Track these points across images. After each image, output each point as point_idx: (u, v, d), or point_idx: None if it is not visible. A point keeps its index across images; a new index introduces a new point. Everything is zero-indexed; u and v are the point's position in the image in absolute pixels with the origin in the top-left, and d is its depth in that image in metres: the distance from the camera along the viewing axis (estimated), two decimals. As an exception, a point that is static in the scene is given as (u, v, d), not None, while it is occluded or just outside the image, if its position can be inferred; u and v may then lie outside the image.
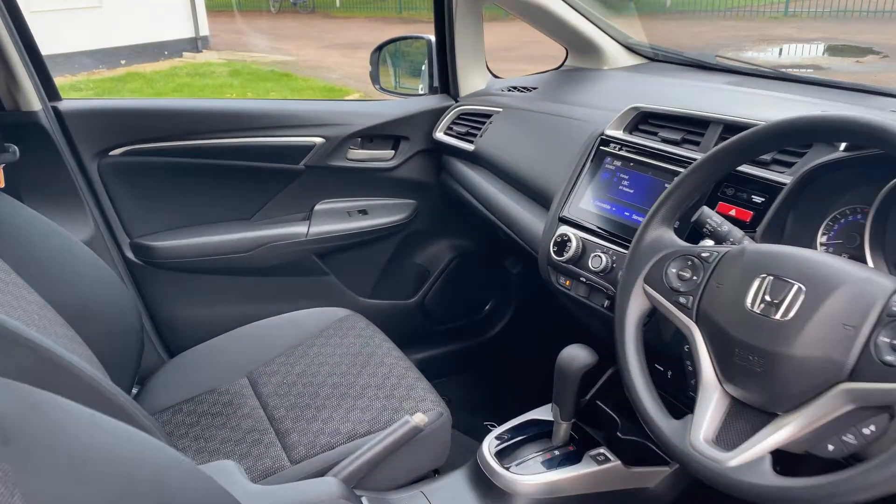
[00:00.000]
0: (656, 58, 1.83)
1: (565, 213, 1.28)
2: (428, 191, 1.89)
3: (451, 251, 2.01)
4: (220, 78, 8.67)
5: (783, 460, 0.76)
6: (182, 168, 1.64)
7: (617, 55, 1.81)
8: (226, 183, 1.69)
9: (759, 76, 1.57)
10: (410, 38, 1.97)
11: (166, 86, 8.23)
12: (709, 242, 0.94)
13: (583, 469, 1.17)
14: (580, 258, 1.23)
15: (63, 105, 1.50)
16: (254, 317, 1.50)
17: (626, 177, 1.22)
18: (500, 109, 1.67)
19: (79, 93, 8.11)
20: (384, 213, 1.83)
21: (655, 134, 1.23)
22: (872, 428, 0.70)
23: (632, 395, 0.88)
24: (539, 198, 1.43)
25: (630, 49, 1.83)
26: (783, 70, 1.55)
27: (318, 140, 1.70)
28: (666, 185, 1.15)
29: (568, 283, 1.28)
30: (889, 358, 0.67)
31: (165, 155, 1.61)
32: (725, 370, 0.81)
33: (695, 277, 0.86)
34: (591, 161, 1.29)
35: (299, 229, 1.73)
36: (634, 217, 1.18)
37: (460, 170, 1.75)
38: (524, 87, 1.75)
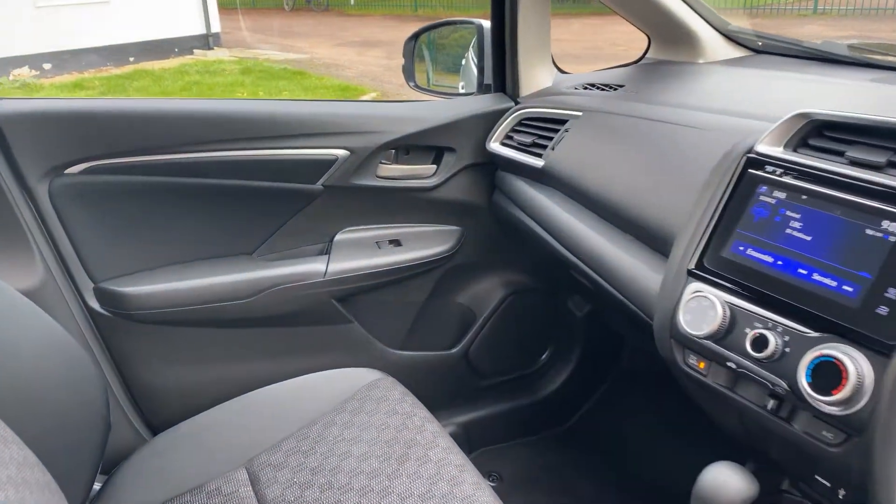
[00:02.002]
0: (762, 49, 1.48)
1: (699, 265, 0.90)
2: (477, 215, 1.54)
3: (504, 289, 1.64)
4: (230, 76, 8.50)
5: None
6: (163, 190, 1.28)
7: (716, 45, 1.47)
8: (220, 209, 1.34)
9: None
10: (456, 22, 1.61)
11: (175, 84, 8.06)
12: None
13: None
14: (727, 333, 0.85)
15: None
16: (256, 382, 1.23)
17: (797, 215, 0.84)
18: (580, 113, 1.30)
19: (85, 91, 7.91)
20: (422, 243, 1.49)
21: (840, 154, 0.84)
22: None
23: None
24: (648, 237, 1.05)
25: (729, 38, 1.47)
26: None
27: (341, 153, 1.35)
28: (868, 230, 0.76)
29: (703, 365, 0.90)
30: None
31: (141, 172, 1.25)
32: None
33: None
34: (736, 190, 0.90)
35: (315, 267, 1.38)
36: (816, 278, 0.79)
37: (522, 191, 1.38)
38: (605, 85, 1.39)
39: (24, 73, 8.69)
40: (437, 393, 1.58)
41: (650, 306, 0.97)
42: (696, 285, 0.89)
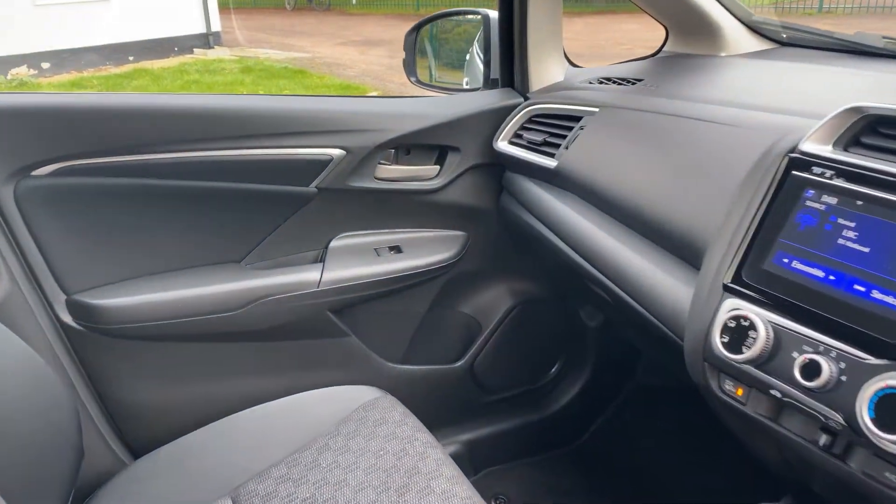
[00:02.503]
0: (787, 41, 1.40)
1: (737, 279, 0.80)
2: (483, 220, 1.45)
3: (511, 298, 1.55)
4: (230, 75, 8.46)
5: None
6: (142, 193, 1.18)
7: (739, 37, 1.39)
8: (206, 213, 1.25)
9: None
10: (460, 13, 1.51)
11: (174, 83, 8.04)
12: None
13: None
14: (771, 357, 0.75)
15: None
16: (244, 401, 1.16)
17: (851, 224, 0.74)
18: (596, 109, 1.21)
19: (83, 90, 7.81)
20: (424, 250, 1.40)
21: None
22: None
23: None
24: (675, 246, 0.95)
25: (753, 29, 1.38)
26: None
27: (337, 152, 1.26)
28: (938, 241, 0.66)
29: (741, 392, 0.80)
30: None
31: (117, 174, 1.15)
32: None
33: None
34: (778, 194, 0.80)
35: (309, 276, 1.29)
36: (876, 296, 0.69)
37: (532, 193, 1.29)
38: (622, 79, 1.29)
39: (23, 71, 8.63)
40: (439, 410, 1.50)
41: (679, 325, 0.88)
42: (733, 302, 0.79)
